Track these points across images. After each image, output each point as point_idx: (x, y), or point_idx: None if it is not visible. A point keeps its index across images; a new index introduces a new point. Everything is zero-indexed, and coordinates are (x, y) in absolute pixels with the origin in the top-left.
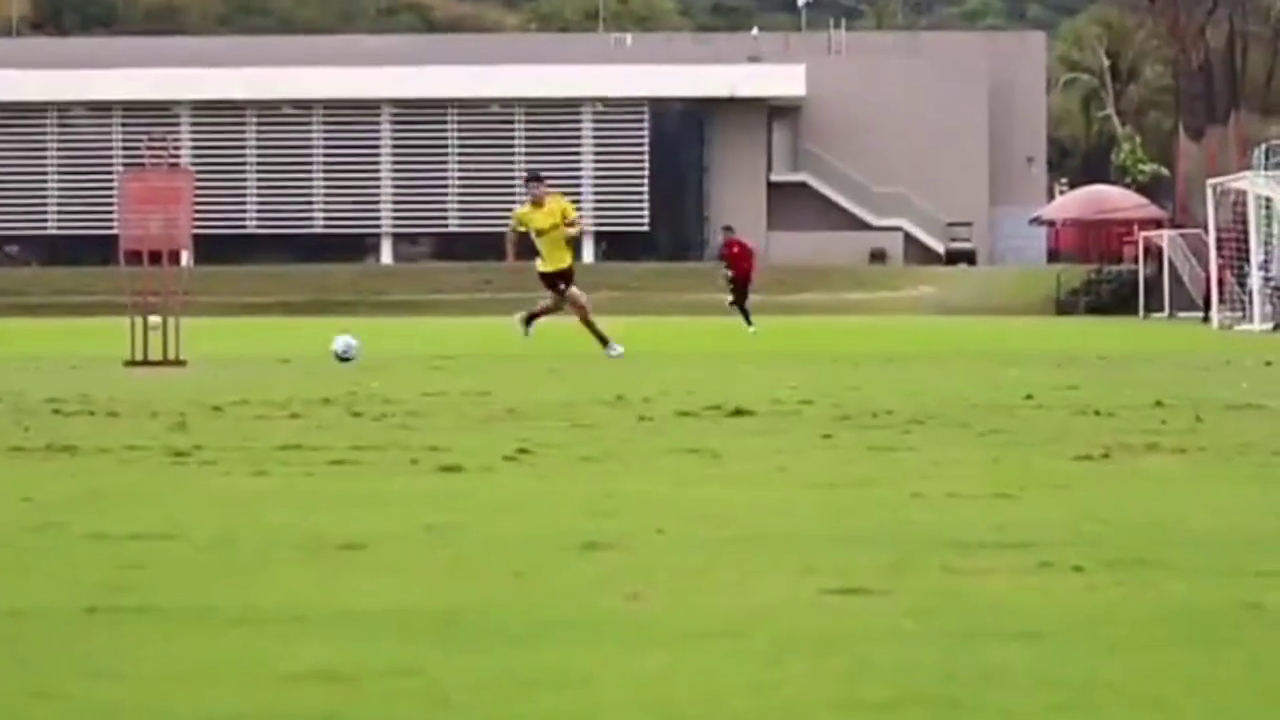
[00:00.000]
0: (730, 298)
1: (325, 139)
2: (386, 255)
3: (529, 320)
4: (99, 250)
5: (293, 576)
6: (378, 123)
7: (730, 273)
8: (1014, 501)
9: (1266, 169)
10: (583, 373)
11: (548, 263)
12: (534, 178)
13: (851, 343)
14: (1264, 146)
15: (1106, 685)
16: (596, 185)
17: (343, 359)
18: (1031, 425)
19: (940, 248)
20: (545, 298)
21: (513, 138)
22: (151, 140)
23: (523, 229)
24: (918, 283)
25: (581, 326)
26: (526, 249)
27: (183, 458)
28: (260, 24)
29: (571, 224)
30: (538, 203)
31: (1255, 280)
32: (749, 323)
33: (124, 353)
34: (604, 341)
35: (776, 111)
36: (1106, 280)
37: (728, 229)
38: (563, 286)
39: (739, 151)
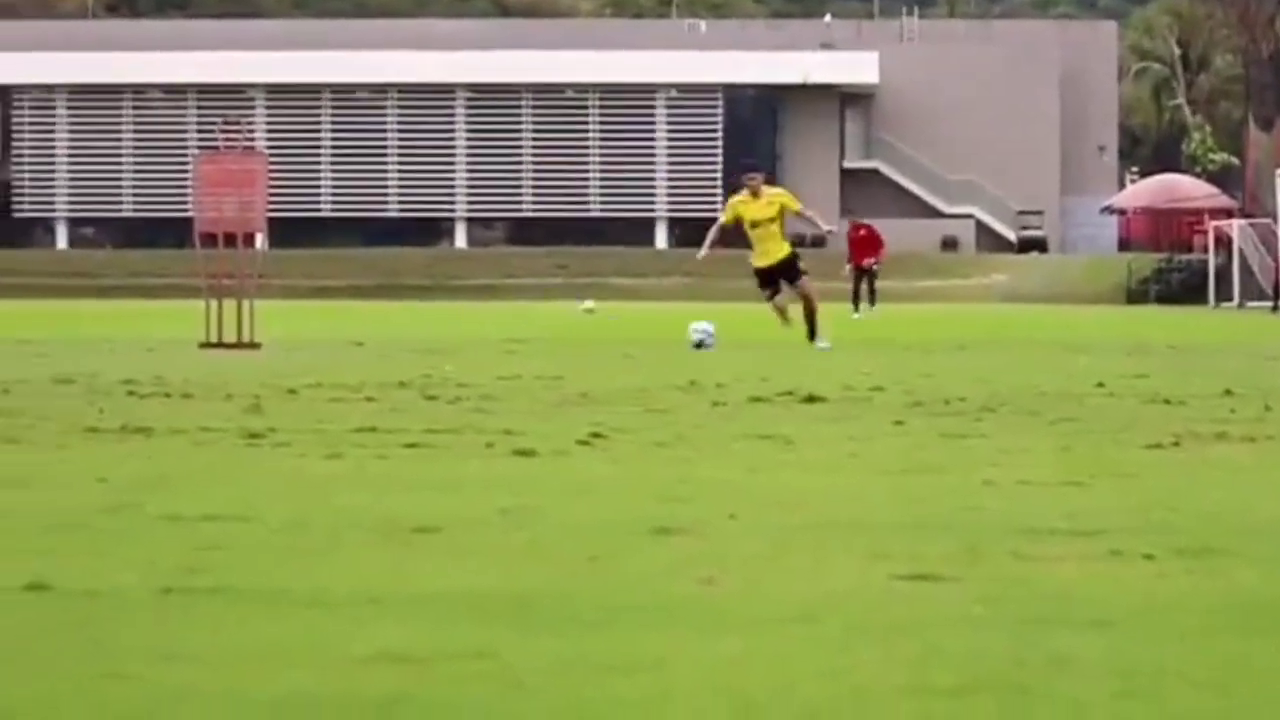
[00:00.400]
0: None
1: (400, 123)
2: (460, 239)
3: (813, 334)
4: (174, 233)
5: (366, 559)
6: (452, 107)
7: (857, 265)
8: (1084, 489)
9: None
10: (656, 358)
11: (763, 256)
12: (752, 168)
13: (923, 330)
14: None
15: (1175, 673)
16: (670, 171)
17: (699, 346)
18: (1102, 414)
19: (1012, 236)
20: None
21: (587, 123)
22: (226, 123)
23: (730, 221)
24: (989, 270)
25: (801, 317)
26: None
27: (257, 440)
28: (335, 7)
29: (800, 214)
30: (755, 193)
31: None
32: (855, 308)
33: (199, 335)
34: (813, 334)
35: (849, 99)
36: (1177, 269)
37: (851, 213)
38: (793, 276)
39: (812, 139)
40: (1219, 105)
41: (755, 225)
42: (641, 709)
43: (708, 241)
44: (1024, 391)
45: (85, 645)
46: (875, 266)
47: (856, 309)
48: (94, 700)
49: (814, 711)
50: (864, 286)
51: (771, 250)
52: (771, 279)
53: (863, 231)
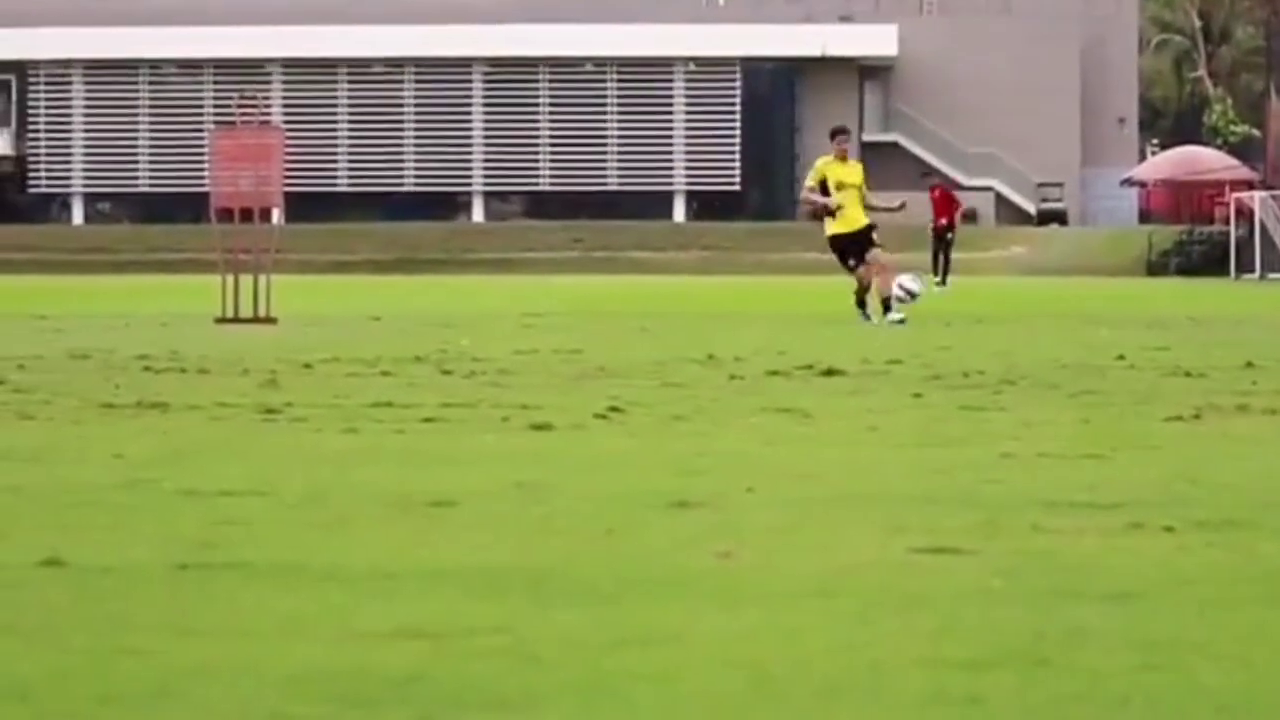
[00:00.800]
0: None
1: (416, 97)
2: (478, 213)
3: (863, 304)
4: (190, 208)
5: (382, 534)
6: (469, 81)
7: (935, 222)
8: (1104, 462)
9: None
10: (674, 331)
11: (844, 223)
12: (841, 130)
13: (942, 302)
14: None
15: (1194, 645)
16: (688, 145)
17: (911, 295)
18: (1122, 386)
19: (1031, 208)
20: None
21: (605, 96)
22: (243, 97)
23: (816, 184)
24: (1009, 243)
25: (873, 289)
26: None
27: (273, 415)
28: None
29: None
30: (843, 156)
31: None
32: (943, 281)
33: (215, 310)
34: (887, 307)
35: (868, 71)
36: (1198, 241)
37: (927, 174)
38: (866, 247)
39: (830, 111)
40: (1240, 77)
41: (841, 188)
42: (657, 682)
43: (816, 203)
44: (1044, 364)
45: (100, 620)
46: (950, 235)
47: (939, 279)
48: (108, 675)
49: (831, 685)
50: (941, 256)
51: (854, 217)
52: (846, 248)
53: (937, 191)
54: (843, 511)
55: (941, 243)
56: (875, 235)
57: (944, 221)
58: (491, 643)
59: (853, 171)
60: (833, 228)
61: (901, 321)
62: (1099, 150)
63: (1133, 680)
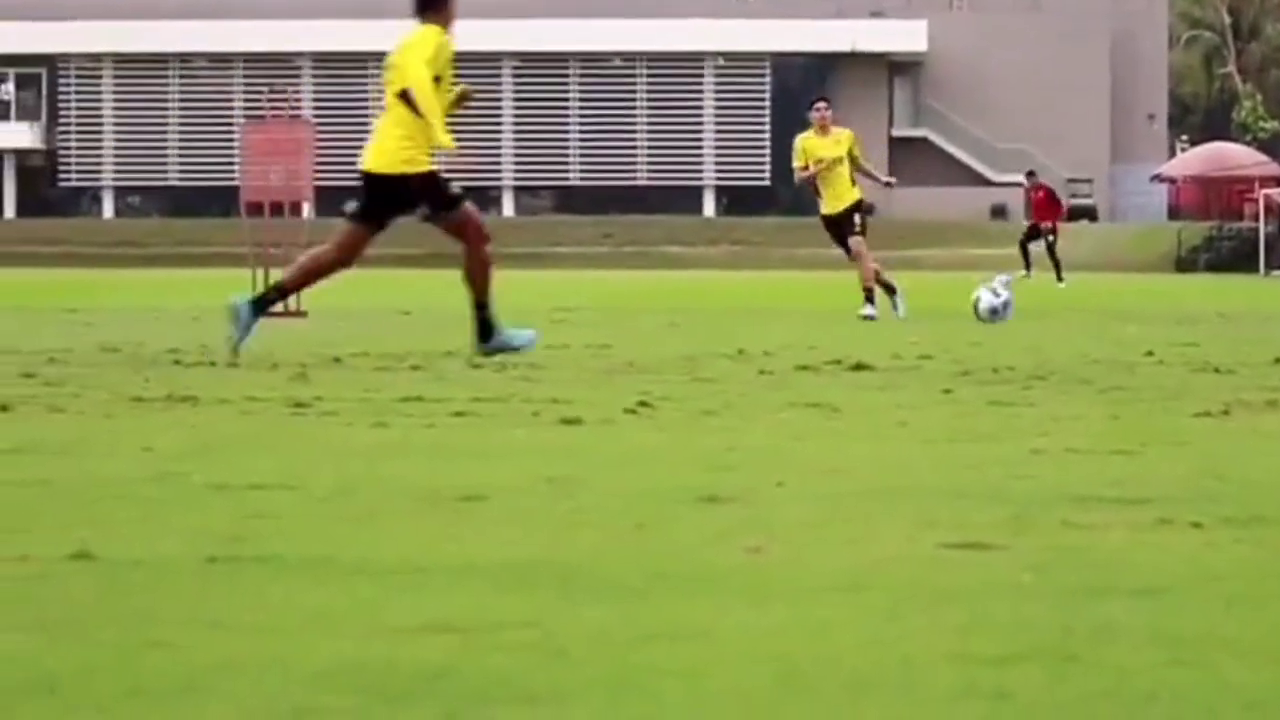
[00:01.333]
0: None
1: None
2: (508, 208)
3: (871, 299)
4: (220, 202)
5: (411, 528)
6: (499, 75)
7: (1035, 222)
8: (1133, 458)
9: None
10: (703, 326)
11: (830, 201)
12: (817, 99)
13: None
14: None
15: (1222, 641)
16: (718, 140)
17: (995, 313)
18: (1152, 382)
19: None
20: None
21: (634, 92)
22: (273, 91)
23: (802, 163)
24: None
25: (867, 272)
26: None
27: (303, 409)
28: None
29: (859, 166)
30: (823, 128)
31: None
32: (1026, 269)
33: None
34: (891, 290)
35: (897, 67)
36: (1227, 237)
37: (1031, 174)
38: (847, 230)
39: (860, 107)
40: (1270, 73)
41: (820, 163)
42: (685, 678)
43: (805, 176)
44: (1073, 360)
45: (129, 614)
46: (1052, 238)
47: (1028, 271)
48: (136, 669)
49: (860, 680)
50: (1033, 248)
51: (837, 194)
52: (840, 226)
53: (1041, 193)
54: (872, 506)
55: (1038, 236)
56: (858, 219)
57: (1048, 224)
58: (519, 637)
59: (835, 143)
60: (822, 207)
61: (871, 318)
62: (1129, 146)
63: (1160, 676)
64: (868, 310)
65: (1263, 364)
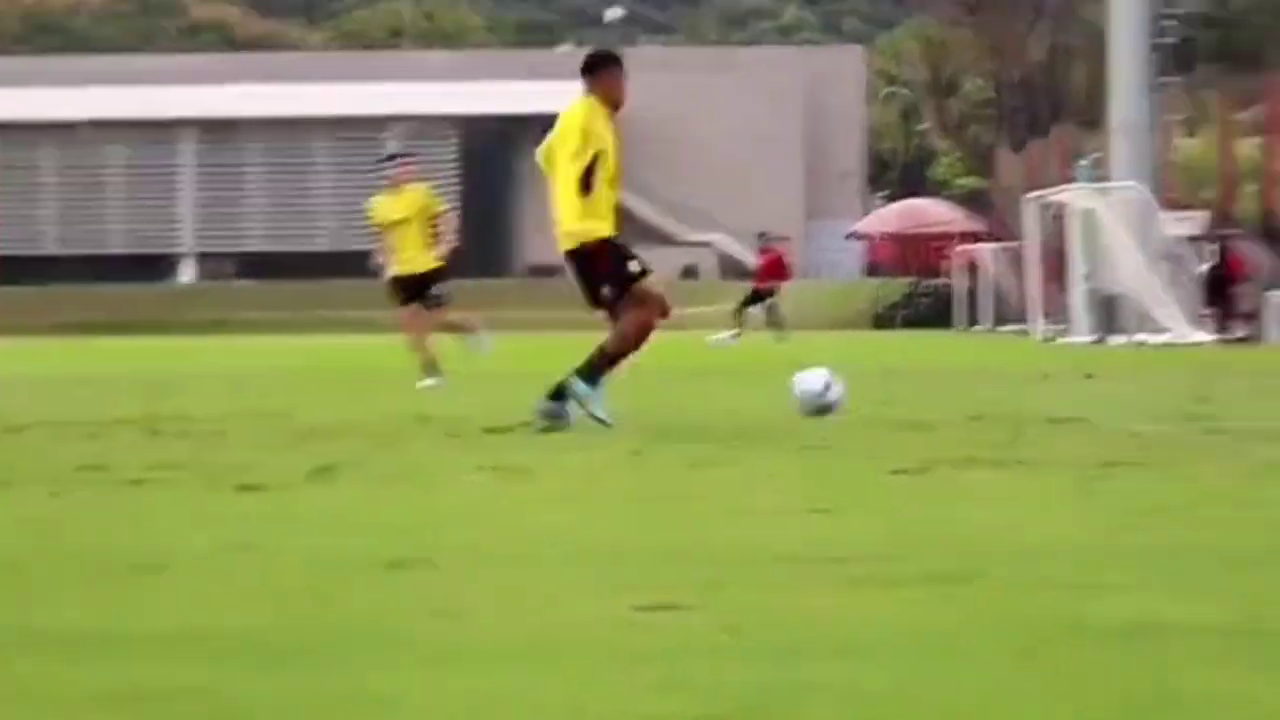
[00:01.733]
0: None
1: (126, 158)
2: (188, 274)
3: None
4: None
5: (87, 598)
6: (178, 141)
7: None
8: (831, 516)
9: (1084, 180)
10: (385, 391)
11: (406, 264)
12: (392, 155)
13: (662, 358)
14: (1088, 158)
15: (915, 698)
16: None
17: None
18: (850, 439)
19: (753, 262)
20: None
21: (314, 156)
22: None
23: (376, 225)
24: (731, 298)
25: (421, 342)
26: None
27: None
28: (58, 43)
29: (437, 223)
30: (394, 187)
31: (1077, 293)
32: (737, 328)
33: None
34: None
35: None
36: (924, 294)
37: (762, 235)
38: (434, 293)
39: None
40: (969, 129)
41: (394, 225)
42: None
43: (379, 261)
44: (771, 419)
45: None
46: (771, 299)
47: (737, 333)
48: None
49: None
50: (754, 311)
51: (411, 258)
52: (418, 291)
53: (771, 256)
54: (565, 569)
55: (760, 301)
56: (437, 290)
57: (771, 285)
58: (196, 708)
59: (407, 204)
60: (395, 269)
61: (435, 387)
62: (824, 203)
63: None
64: (428, 381)
65: (961, 420)
